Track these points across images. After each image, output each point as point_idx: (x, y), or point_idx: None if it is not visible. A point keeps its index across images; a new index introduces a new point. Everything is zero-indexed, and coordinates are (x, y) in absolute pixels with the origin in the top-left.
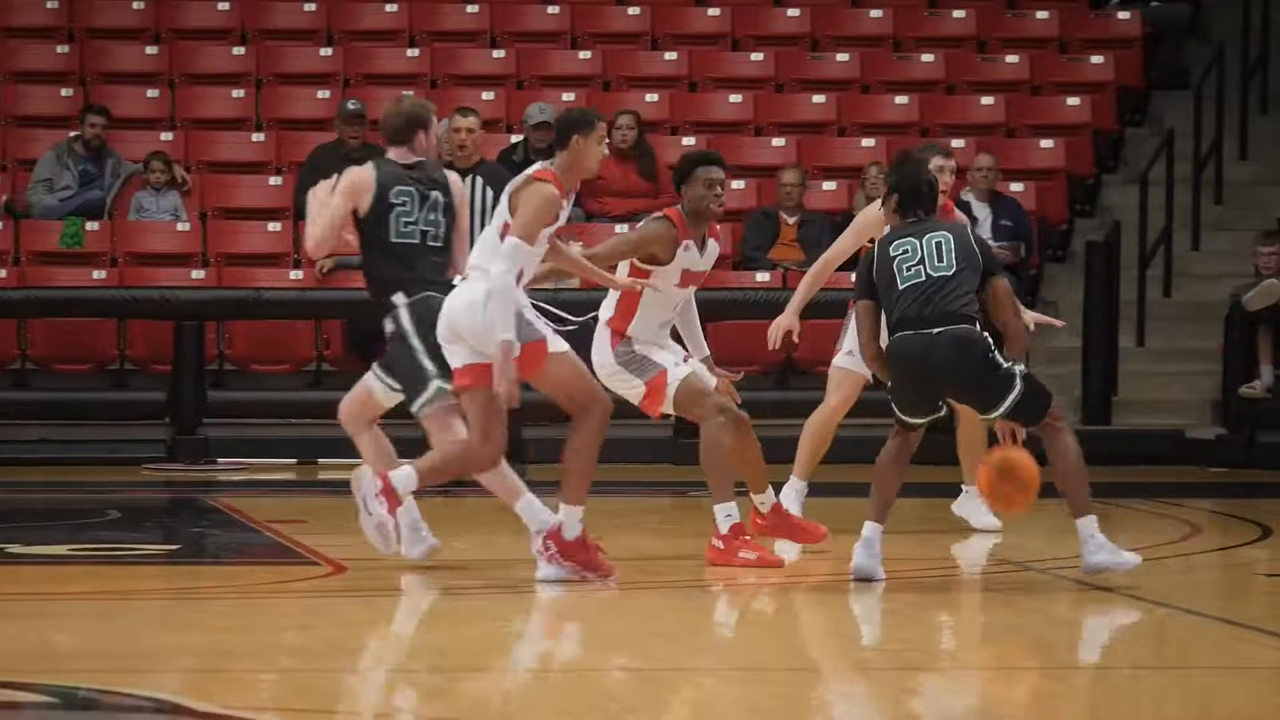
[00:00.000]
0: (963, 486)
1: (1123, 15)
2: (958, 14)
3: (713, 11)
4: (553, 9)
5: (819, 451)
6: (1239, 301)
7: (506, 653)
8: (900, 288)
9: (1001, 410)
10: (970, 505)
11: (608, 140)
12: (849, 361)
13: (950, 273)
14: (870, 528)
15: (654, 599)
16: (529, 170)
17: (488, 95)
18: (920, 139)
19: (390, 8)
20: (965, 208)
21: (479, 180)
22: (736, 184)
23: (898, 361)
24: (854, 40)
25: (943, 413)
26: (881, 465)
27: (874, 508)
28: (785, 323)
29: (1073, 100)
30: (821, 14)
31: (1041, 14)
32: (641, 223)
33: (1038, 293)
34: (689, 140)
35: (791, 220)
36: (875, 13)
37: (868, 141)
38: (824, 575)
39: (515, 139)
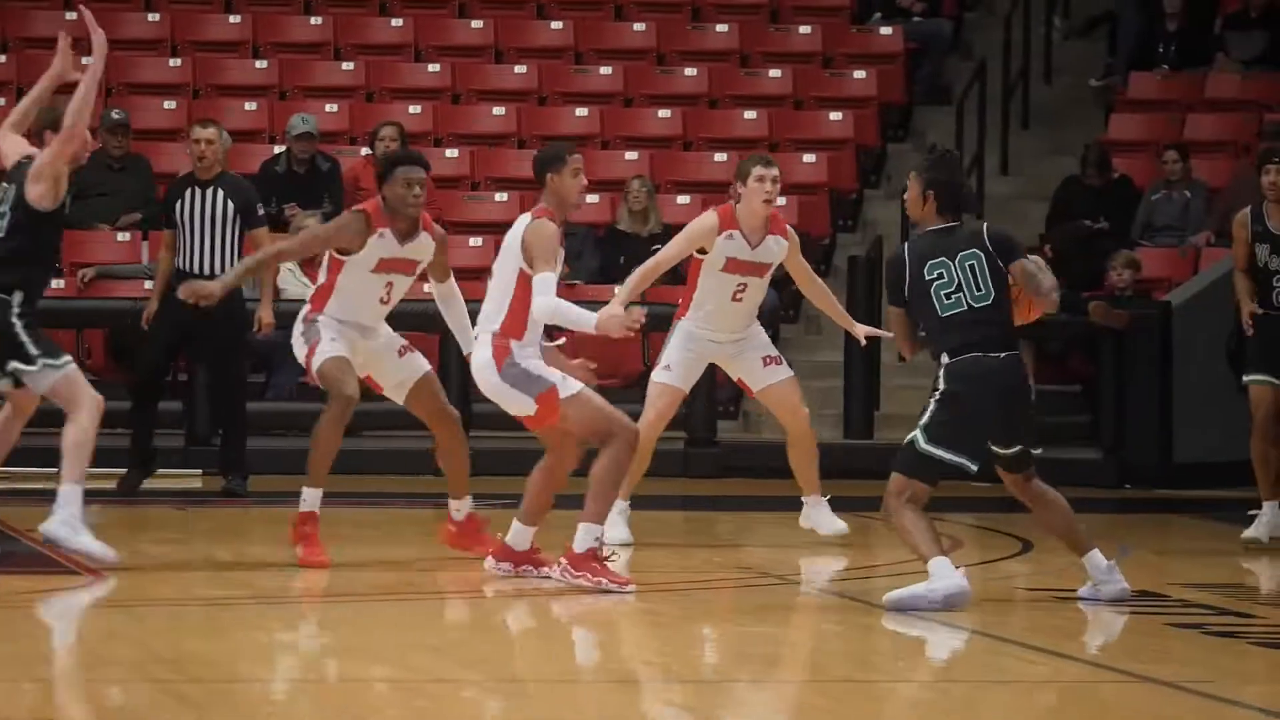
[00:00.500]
0: (803, 499)
1: (885, 31)
2: (721, 28)
3: (476, 23)
4: (315, 20)
5: (640, 469)
6: None
7: (269, 663)
8: (941, 316)
9: (1024, 444)
10: (816, 515)
11: (581, 169)
12: (668, 376)
13: (989, 301)
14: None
15: (417, 610)
16: (530, 214)
17: (250, 105)
18: (684, 152)
19: (152, 17)
20: None
21: (220, 192)
22: (499, 196)
23: (972, 384)
24: (618, 53)
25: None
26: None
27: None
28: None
29: (835, 115)
30: (585, 27)
31: (804, 29)
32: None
33: (800, 307)
34: (452, 152)
35: None
36: (639, 26)
37: (631, 155)
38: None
39: (278, 149)
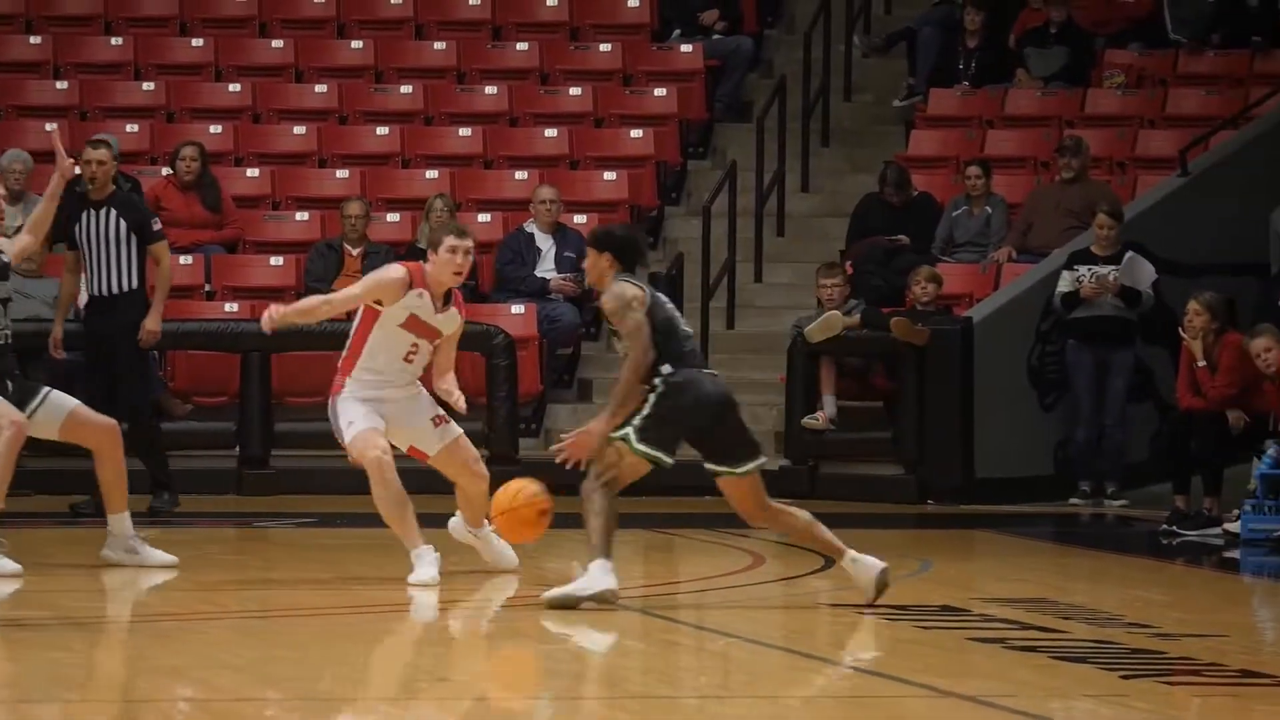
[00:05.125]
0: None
1: (685, 49)
2: (521, 47)
3: (276, 43)
4: (115, 40)
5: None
6: (802, 333)
7: (70, 685)
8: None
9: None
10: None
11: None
12: (362, 424)
13: None
14: None
15: (219, 630)
16: None
17: (50, 126)
18: (485, 171)
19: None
20: (529, 239)
21: (113, 211)
22: (300, 215)
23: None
24: (418, 72)
25: None
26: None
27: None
28: None
29: (636, 132)
30: (385, 46)
31: (605, 47)
32: None
33: (600, 325)
34: (253, 172)
35: (355, 252)
36: (439, 45)
37: (431, 173)
38: (389, 605)
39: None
